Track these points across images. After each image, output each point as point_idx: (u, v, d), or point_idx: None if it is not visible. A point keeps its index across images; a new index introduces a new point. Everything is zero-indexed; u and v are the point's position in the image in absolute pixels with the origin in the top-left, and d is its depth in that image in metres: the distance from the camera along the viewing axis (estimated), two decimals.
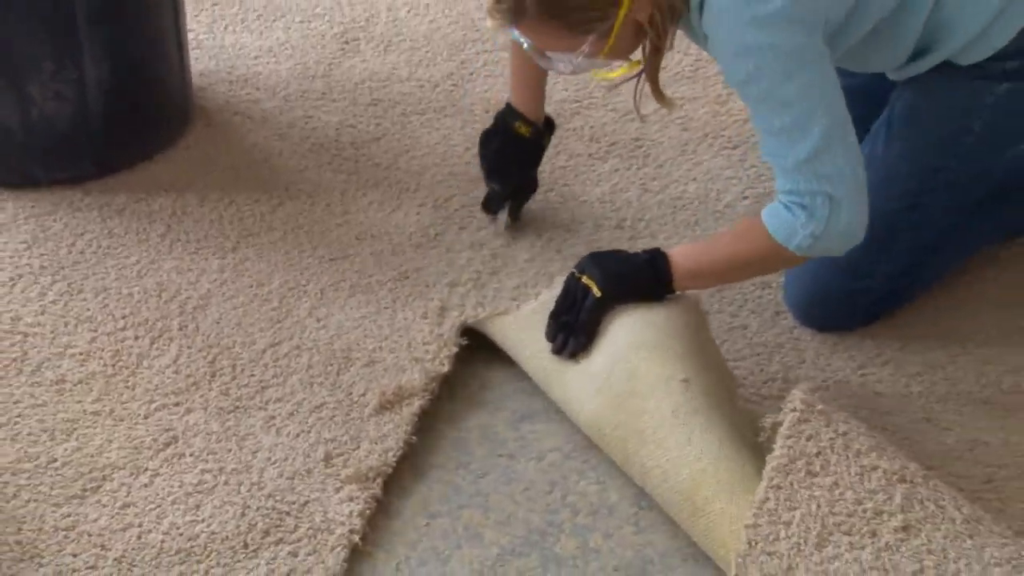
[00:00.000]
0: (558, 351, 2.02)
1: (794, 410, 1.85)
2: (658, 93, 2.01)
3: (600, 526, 1.88)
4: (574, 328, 2.01)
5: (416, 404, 2.03)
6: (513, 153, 2.39)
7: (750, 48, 1.84)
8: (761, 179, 2.56)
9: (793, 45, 1.85)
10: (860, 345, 2.19)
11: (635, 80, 2.03)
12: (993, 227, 2.34)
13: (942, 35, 2.03)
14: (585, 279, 2.02)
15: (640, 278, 2.02)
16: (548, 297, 2.09)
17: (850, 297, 2.19)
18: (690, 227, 2.44)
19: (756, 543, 1.69)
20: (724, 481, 1.77)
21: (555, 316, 2.04)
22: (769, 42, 1.83)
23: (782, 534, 1.69)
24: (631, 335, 1.96)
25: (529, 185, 2.43)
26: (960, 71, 2.07)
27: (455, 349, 2.12)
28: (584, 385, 1.97)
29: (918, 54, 2.07)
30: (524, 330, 2.10)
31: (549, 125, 2.42)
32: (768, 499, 1.73)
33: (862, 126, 1.95)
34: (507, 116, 2.37)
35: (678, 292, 2.03)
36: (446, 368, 2.09)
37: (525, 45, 1.95)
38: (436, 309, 2.20)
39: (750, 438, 1.87)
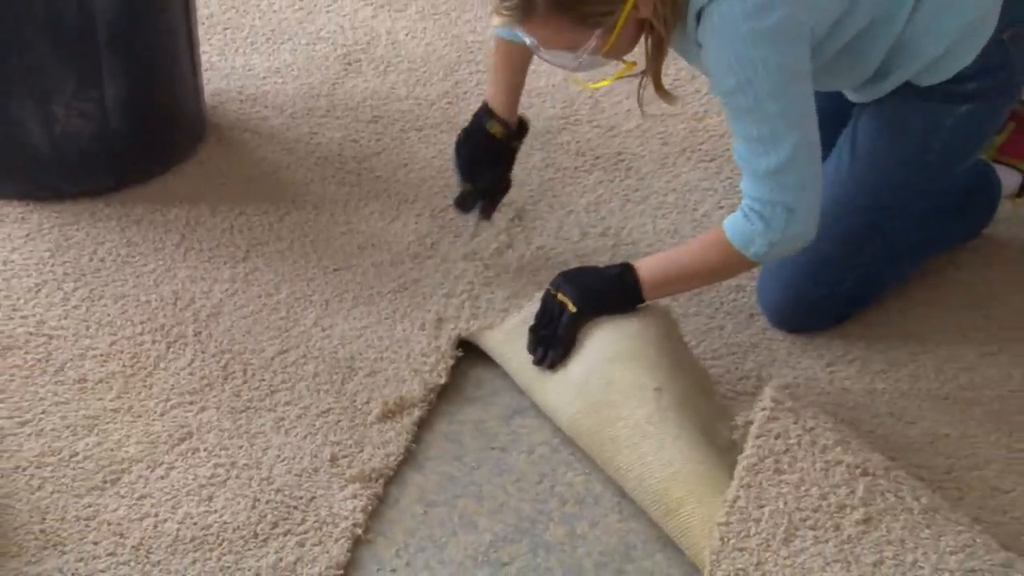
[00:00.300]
0: (538, 363, 2.02)
1: (764, 408, 1.85)
2: (660, 89, 1.98)
3: (586, 514, 1.88)
4: (552, 341, 2.01)
5: (416, 414, 2.02)
6: (485, 153, 2.30)
7: (743, 61, 1.83)
8: (736, 190, 2.55)
9: (784, 61, 1.84)
10: (829, 345, 2.19)
11: (637, 81, 2.00)
12: (950, 233, 2.34)
13: (907, 54, 2.03)
14: (560, 296, 2.02)
15: (612, 293, 2.02)
16: (528, 312, 2.09)
17: (820, 301, 2.19)
18: (670, 235, 2.44)
19: (728, 540, 1.69)
20: (694, 484, 1.77)
21: (534, 331, 2.04)
22: (763, 56, 1.82)
23: (752, 531, 1.69)
24: (607, 347, 1.96)
25: (501, 186, 2.35)
26: (920, 93, 2.07)
27: (451, 361, 2.11)
28: (562, 393, 1.97)
29: (882, 73, 2.06)
30: (507, 343, 2.10)
31: (522, 128, 2.33)
32: (739, 497, 1.73)
33: (825, 146, 1.95)
34: (482, 116, 2.29)
35: (648, 302, 2.03)
36: (443, 379, 2.08)
37: (528, 42, 1.90)
38: (433, 321, 2.19)
39: (725, 437, 1.87)
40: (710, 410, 1.92)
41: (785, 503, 1.72)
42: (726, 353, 2.18)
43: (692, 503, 1.76)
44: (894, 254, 2.21)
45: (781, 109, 1.86)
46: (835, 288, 2.19)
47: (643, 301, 2.03)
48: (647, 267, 2.02)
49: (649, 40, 1.92)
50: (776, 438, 1.80)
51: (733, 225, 1.94)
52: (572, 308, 2.00)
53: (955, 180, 2.26)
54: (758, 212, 1.90)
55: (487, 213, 2.35)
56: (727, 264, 1.99)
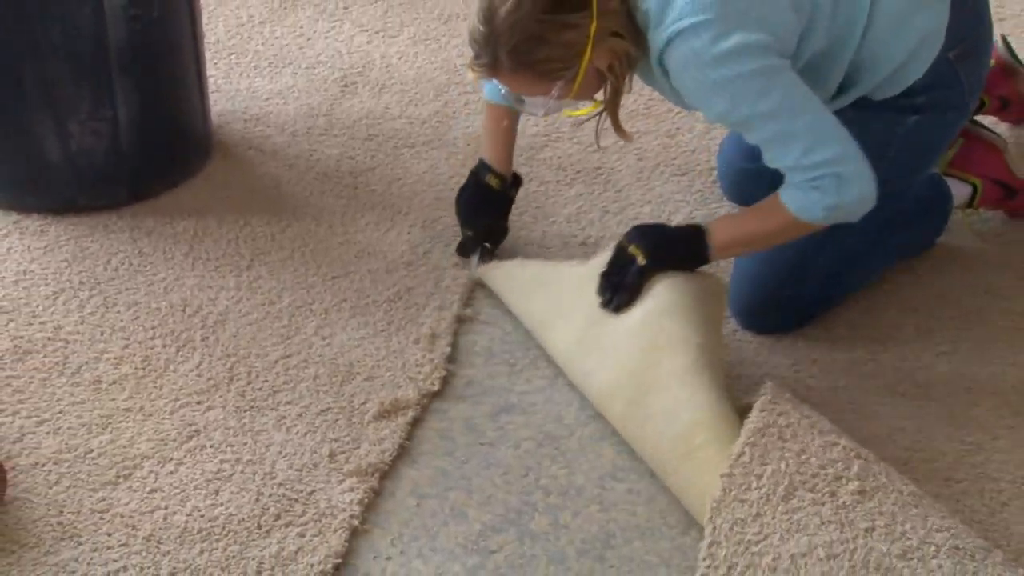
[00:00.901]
0: (605, 306, 2.01)
1: (765, 394, 1.84)
2: (618, 128, 2.01)
3: (569, 505, 1.86)
4: (620, 287, 2.00)
5: (410, 415, 2.01)
6: (483, 202, 2.33)
7: (719, 84, 1.82)
8: (706, 202, 2.55)
9: (757, 67, 1.83)
10: (794, 346, 2.18)
11: (597, 116, 2.02)
12: (906, 243, 2.34)
13: (864, 72, 2.02)
14: (633, 248, 2.01)
15: (682, 250, 2.02)
16: (597, 261, 2.08)
17: (784, 304, 2.18)
18: None
19: (730, 491, 1.68)
20: (717, 432, 1.77)
21: (606, 276, 2.03)
22: (735, 73, 1.82)
23: (753, 485, 1.69)
24: (663, 300, 1.95)
25: (499, 231, 2.36)
26: (874, 106, 2.07)
27: (443, 372, 2.10)
28: (619, 341, 1.96)
29: (842, 89, 2.06)
30: (527, 285, 2.15)
31: (516, 181, 2.37)
32: (744, 453, 1.72)
33: None
34: (480, 170, 2.32)
35: (712, 261, 2.03)
36: (436, 387, 2.07)
37: (503, 92, 1.95)
38: (427, 335, 2.17)
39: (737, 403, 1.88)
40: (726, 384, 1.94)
41: (787, 465, 1.71)
42: None
43: (712, 449, 1.75)
44: (853, 259, 2.21)
45: (777, 104, 1.85)
46: (798, 291, 2.18)
47: (709, 262, 2.02)
48: (716, 229, 2.01)
49: (607, 87, 1.94)
50: (779, 415, 1.79)
51: (789, 197, 1.92)
52: (642, 260, 1.99)
53: (911, 192, 2.26)
54: (810, 184, 1.89)
55: (486, 258, 2.32)
56: (791, 229, 1.97)
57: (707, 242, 2.00)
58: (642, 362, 1.91)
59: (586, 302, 2.04)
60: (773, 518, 1.66)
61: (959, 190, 2.39)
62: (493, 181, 2.31)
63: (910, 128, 2.09)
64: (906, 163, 2.13)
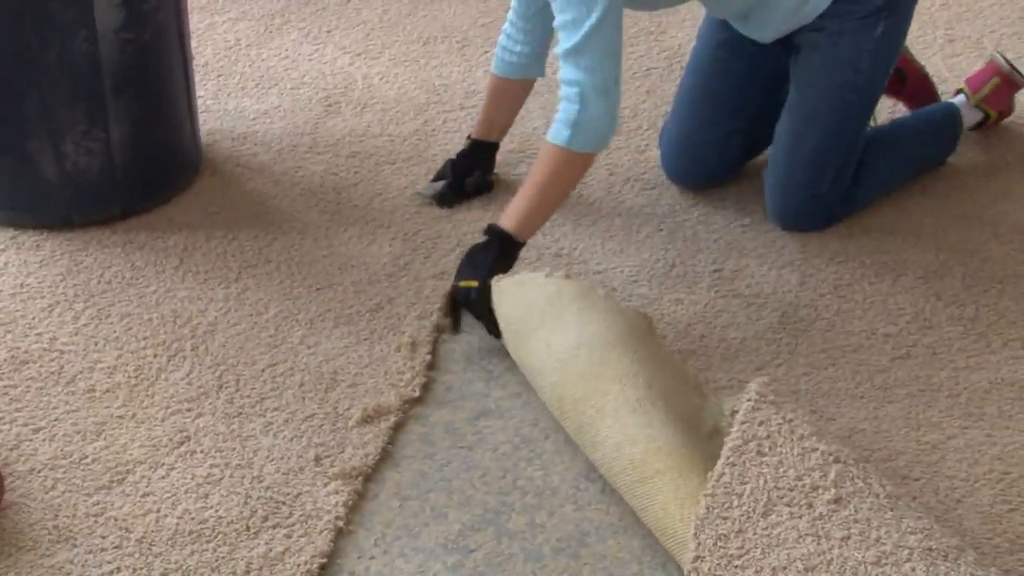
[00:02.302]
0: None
1: (749, 399, 1.83)
2: None
3: (545, 505, 1.85)
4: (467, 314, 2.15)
5: (392, 420, 2.00)
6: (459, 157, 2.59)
7: None
8: (674, 213, 2.54)
9: None
10: (758, 350, 2.17)
11: None
12: (919, 156, 2.61)
13: None
14: (463, 283, 2.11)
15: (491, 251, 2.11)
16: (525, 275, 2.11)
17: (809, 204, 2.43)
18: (616, 254, 2.42)
19: (713, 509, 1.67)
20: (674, 460, 1.75)
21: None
22: None
23: (735, 503, 1.68)
24: (600, 330, 1.94)
25: (458, 185, 2.56)
26: (843, 29, 2.25)
27: (424, 379, 2.09)
28: (547, 359, 1.95)
29: None
30: (503, 298, 2.11)
31: (478, 147, 2.58)
32: (724, 474, 1.71)
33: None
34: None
35: (526, 239, 2.14)
36: (417, 393, 2.05)
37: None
38: (408, 343, 2.16)
39: (708, 424, 1.86)
40: (695, 401, 1.91)
41: (765, 482, 1.70)
42: None
43: (671, 474, 1.73)
44: (868, 158, 2.43)
45: None
46: (815, 192, 2.40)
47: (520, 241, 2.12)
48: (507, 215, 2.12)
49: None
50: (759, 425, 1.78)
51: (549, 131, 2.09)
52: (474, 284, 2.08)
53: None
54: (562, 100, 2.05)
55: (439, 195, 2.56)
56: (561, 165, 2.10)
57: (503, 228, 2.10)
58: (587, 390, 1.87)
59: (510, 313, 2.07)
60: (754, 534, 1.65)
61: (973, 116, 2.70)
62: (466, 144, 2.57)
63: (878, 39, 2.26)
64: (878, 71, 2.34)
